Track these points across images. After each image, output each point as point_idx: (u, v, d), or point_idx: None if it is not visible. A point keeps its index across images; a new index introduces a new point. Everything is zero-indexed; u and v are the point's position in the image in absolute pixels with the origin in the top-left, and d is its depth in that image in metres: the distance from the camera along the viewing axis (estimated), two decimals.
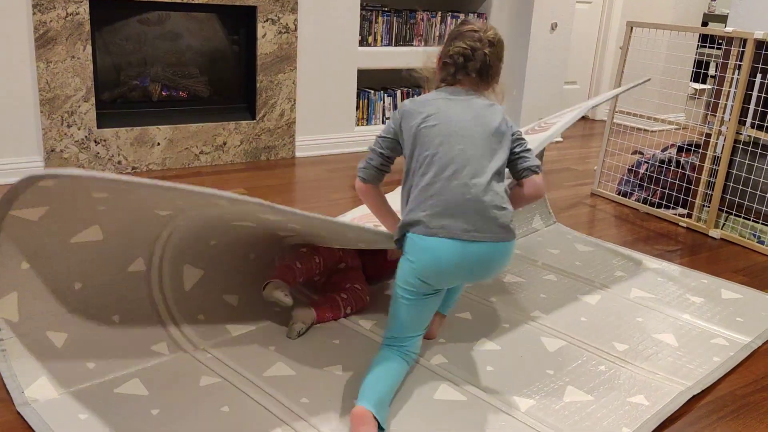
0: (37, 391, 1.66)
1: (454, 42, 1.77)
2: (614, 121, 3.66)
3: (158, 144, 3.59)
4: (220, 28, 3.80)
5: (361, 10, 4.14)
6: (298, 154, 4.09)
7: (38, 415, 1.60)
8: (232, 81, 3.90)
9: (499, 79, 1.82)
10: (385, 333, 1.78)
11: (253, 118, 3.89)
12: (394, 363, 1.70)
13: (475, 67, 1.75)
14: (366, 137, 4.35)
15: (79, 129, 3.35)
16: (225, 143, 3.80)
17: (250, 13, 3.76)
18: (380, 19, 4.25)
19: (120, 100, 3.60)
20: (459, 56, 1.75)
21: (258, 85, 3.82)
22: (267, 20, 3.75)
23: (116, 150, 3.48)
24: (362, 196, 1.87)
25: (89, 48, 3.28)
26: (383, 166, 1.80)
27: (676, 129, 4.60)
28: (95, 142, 3.41)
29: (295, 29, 3.86)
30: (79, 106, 3.32)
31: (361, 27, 4.18)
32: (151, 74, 3.67)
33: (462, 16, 4.55)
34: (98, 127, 3.42)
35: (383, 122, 4.45)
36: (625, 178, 3.66)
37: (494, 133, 1.72)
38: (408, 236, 1.68)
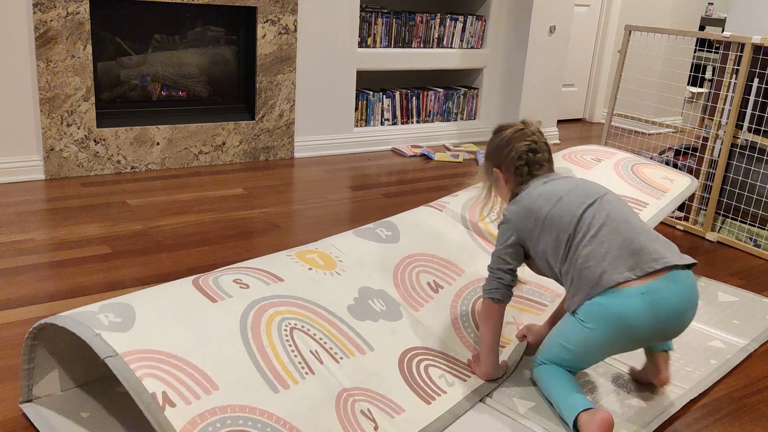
0: (43, 388, 1.67)
1: (512, 146, 1.80)
2: (612, 123, 3.67)
3: (157, 144, 3.60)
4: (220, 29, 3.80)
5: (361, 11, 4.16)
6: (296, 154, 4.10)
7: (40, 413, 1.60)
8: (232, 81, 3.91)
9: None
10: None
11: (253, 119, 3.89)
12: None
13: (545, 156, 1.82)
14: (365, 138, 4.37)
15: (78, 128, 3.35)
16: (224, 143, 3.81)
17: (250, 13, 3.77)
18: (379, 20, 4.26)
19: (120, 100, 3.60)
20: (528, 153, 1.79)
21: (257, 85, 3.83)
22: (267, 21, 3.76)
23: (115, 149, 3.48)
24: (490, 318, 1.79)
25: (89, 47, 3.29)
26: (514, 281, 1.78)
27: (673, 132, 4.62)
28: (95, 141, 3.42)
29: (295, 30, 3.87)
30: (78, 106, 3.33)
31: (361, 28, 4.19)
32: (150, 74, 3.67)
33: (461, 18, 4.57)
34: (98, 126, 3.42)
35: (382, 123, 4.46)
36: None
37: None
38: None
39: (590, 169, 2.67)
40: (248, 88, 3.90)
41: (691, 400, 1.86)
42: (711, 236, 3.15)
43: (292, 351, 1.60)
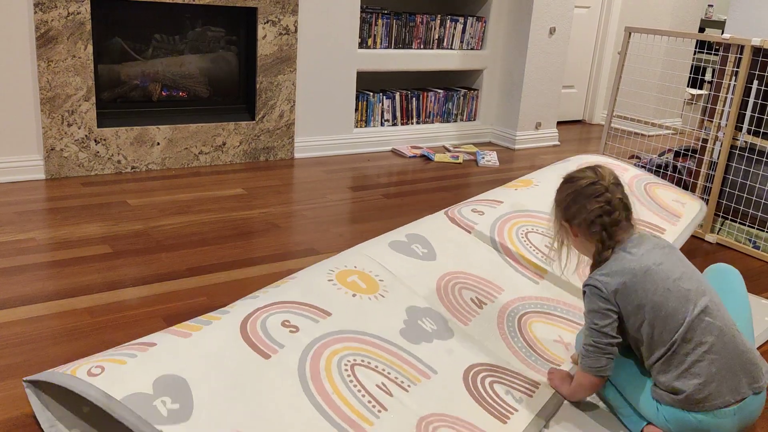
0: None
1: (582, 204, 1.67)
2: (612, 125, 3.68)
3: (158, 144, 3.61)
4: (220, 29, 3.81)
5: (361, 12, 4.16)
6: (296, 155, 4.10)
7: (42, 403, 1.58)
8: (232, 82, 3.91)
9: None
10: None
11: (253, 119, 3.90)
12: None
13: (621, 215, 1.68)
14: (364, 139, 4.37)
15: (79, 128, 3.36)
16: (224, 144, 3.82)
17: (251, 14, 3.77)
18: (380, 21, 4.27)
19: (120, 100, 3.61)
20: (602, 216, 1.66)
21: (258, 86, 3.84)
22: (267, 21, 3.77)
23: (116, 149, 3.49)
24: (592, 391, 1.72)
25: (90, 47, 3.29)
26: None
27: (672, 134, 4.63)
28: (95, 141, 3.42)
29: (296, 31, 3.88)
30: (79, 105, 3.33)
31: (361, 29, 4.20)
32: (151, 74, 3.68)
33: (461, 19, 4.58)
34: (98, 126, 3.43)
35: (382, 124, 4.46)
36: None
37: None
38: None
39: None
40: (248, 88, 3.90)
41: None
42: (710, 238, 3.16)
43: (359, 390, 1.56)
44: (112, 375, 1.44)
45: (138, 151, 3.56)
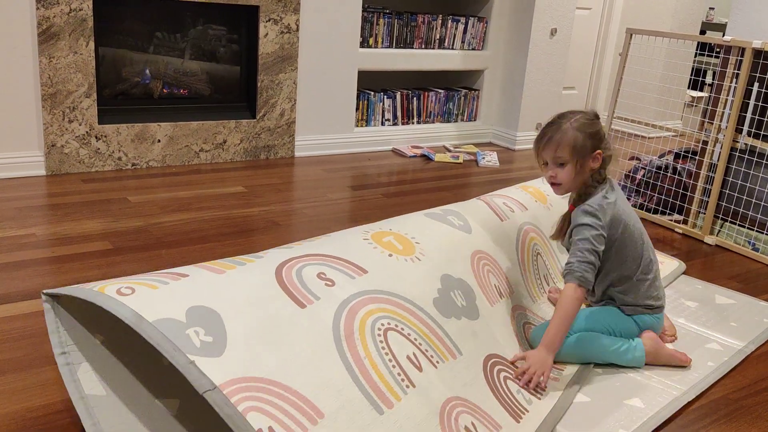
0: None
1: (607, 140, 1.98)
2: (612, 127, 3.68)
3: (159, 141, 3.61)
4: (222, 27, 3.81)
5: (363, 11, 4.17)
6: (297, 153, 4.10)
7: (57, 328, 1.49)
8: (233, 80, 3.91)
9: None
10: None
11: (254, 117, 3.90)
12: None
13: None
14: (365, 138, 4.37)
15: (80, 124, 3.36)
16: (225, 141, 3.82)
17: (252, 12, 3.78)
18: (381, 20, 4.27)
19: (121, 97, 3.61)
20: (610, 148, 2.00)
21: (259, 84, 3.84)
22: (269, 20, 3.77)
23: (117, 146, 3.49)
24: (577, 304, 1.88)
25: (92, 44, 3.29)
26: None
27: (673, 136, 4.63)
28: (96, 137, 3.42)
29: (297, 29, 3.88)
30: (80, 102, 3.33)
31: (363, 28, 4.20)
32: (152, 71, 3.68)
33: (462, 19, 4.58)
34: (99, 123, 3.43)
35: (382, 124, 4.47)
36: (621, 183, 3.68)
37: None
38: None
39: None
40: (249, 86, 3.91)
41: (688, 402, 1.87)
42: (710, 240, 3.16)
43: (390, 361, 1.51)
44: (143, 297, 1.36)
45: (139, 148, 3.56)
